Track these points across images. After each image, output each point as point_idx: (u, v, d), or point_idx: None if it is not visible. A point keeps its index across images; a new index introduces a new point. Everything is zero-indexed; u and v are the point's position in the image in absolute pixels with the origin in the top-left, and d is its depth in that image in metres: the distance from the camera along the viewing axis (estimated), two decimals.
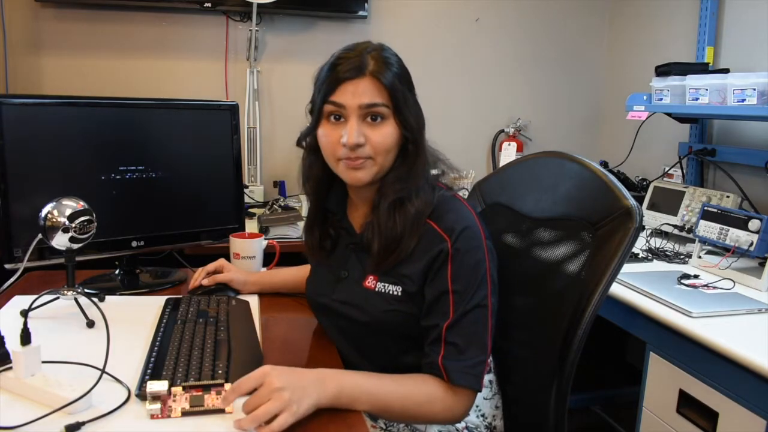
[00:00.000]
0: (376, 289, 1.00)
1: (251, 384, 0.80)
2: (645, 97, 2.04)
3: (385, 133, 0.97)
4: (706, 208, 1.69)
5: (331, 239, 1.10)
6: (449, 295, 0.94)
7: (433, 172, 1.06)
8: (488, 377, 1.08)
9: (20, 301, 1.19)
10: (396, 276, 0.99)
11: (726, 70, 1.89)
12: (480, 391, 0.95)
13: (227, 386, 0.82)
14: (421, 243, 0.97)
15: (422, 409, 0.92)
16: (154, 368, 0.89)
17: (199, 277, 1.29)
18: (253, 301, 1.24)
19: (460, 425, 1.03)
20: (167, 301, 1.19)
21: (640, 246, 1.85)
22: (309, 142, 1.07)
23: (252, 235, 1.45)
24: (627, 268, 1.62)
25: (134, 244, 1.37)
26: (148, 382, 0.80)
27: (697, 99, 1.80)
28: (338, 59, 1.00)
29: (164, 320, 1.08)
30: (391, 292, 0.99)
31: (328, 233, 1.10)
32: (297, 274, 1.34)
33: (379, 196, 1.01)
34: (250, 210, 2.25)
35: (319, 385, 0.84)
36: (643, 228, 0.98)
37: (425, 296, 0.97)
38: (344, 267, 1.07)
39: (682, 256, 1.77)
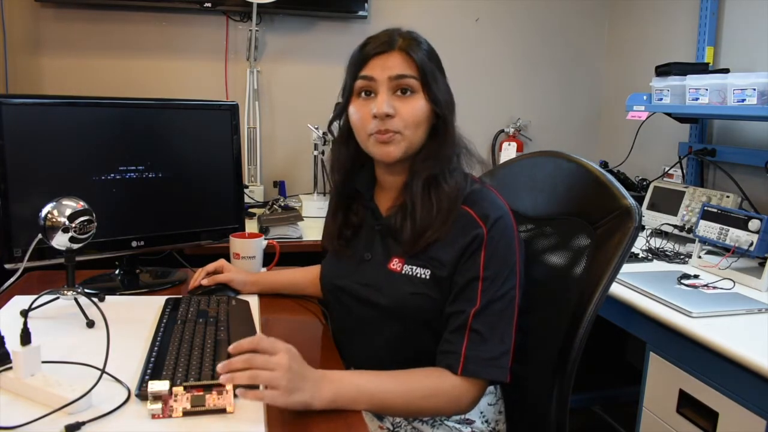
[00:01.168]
0: (403, 272, 1.00)
1: (267, 347, 0.80)
2: (645, 97, 2.04)
3: (415, 106, 0.98)
4: (706, 208, 1.69)
5: (353, 228, 1.10)
6: (479, 281, 0.94)
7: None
8: None
9: (20, 301, 1.19)
10: (425, 259, 0.98)
11: (726, 70, 1.89)
12: (507, 381, 0.94)
13: (228, 386, 0.82)
14: (457, 228, 0.97)
15: (426, 403, 0.92)
16: (154, 368, 0.89)
17: (199, 277, 1.29)
18: (253, 301, 1.24)
19: (466, 431, 1.03)
20: (167, 301, 1.19)
21: (640, 246, 1.85)
22: (339, 132, 1.10)
23: (252, 235, 1.45)
24: (627, 268, 1.62)
25: (134, 244, 1.37)
26: (149, 382, 0.80)
27: (697, 99, 1.81)
28: (367, 40, 1.03)
29: (164, 320, 1.08)
30: (418, 275, 0.98)
31: (351, 221, 1.10)
32: (298, 276, 1.33)
33: (411, 176, 1.02)
34: (250, 210, 2.25)
35: (315, 386, 0.83)
36: (643, 228, 0.99)
37: (454, 282, 0.96)
38: (368, 249, 1.06)
39: (682, 256, 1.77)
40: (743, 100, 1.64)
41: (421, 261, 0.99)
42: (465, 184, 1.02)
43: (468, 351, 0.92)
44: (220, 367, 0.78)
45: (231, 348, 0.81)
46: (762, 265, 1.53)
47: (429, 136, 1.02)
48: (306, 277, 1.32)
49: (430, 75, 0.99)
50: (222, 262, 1.31)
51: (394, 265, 1.01)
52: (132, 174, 1.35)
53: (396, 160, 1.01)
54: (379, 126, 0.98)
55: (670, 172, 2.29)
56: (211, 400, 0.80)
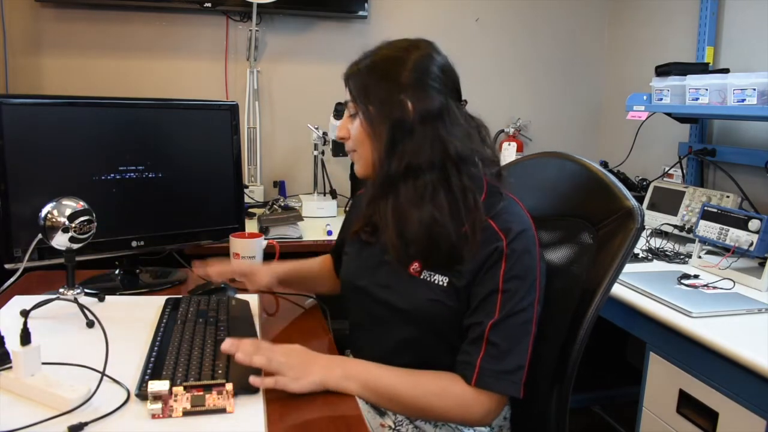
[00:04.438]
0: (422, 277, 0.99)
1: (266, 347, 0.90)
2: (645, 97, 2.04)
3: (355, 126, 1.05)
4: (706, 208, 1.69)
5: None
6: (498, 294, 0.93)
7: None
8: None
9: (20, 301, 1.19)
10: (446, 266, 0.98)
11: (726, 70, 1.89)
12: (519, 397, 0.93)
13: (228, 386, 0.82)
14: (478, 240, 0.96)
15: (433, 401, 0.92)
16: (154, 368, 0.89)
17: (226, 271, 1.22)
18: (253, 301, 1.24)
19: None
20: (167, 301, 1.19)
21: (640, 246, 1.85)
22: None
23: (252, 235, 1.44)
24: (627, 268, 1.60)
25: (134, 244, 1.37)
26: (149, 382, 0.80)
27: (697, 99, 1.81)
28: None
29: (164, 320, 1.08)
30: (437, 282, 0.98)
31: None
32: (306, 270, 1.31)
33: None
34: (250, 210, 2.25)
35: (325, 368, 0.90)
36: (643, 228, 0.99)
37: (474, 294, 0.96)
38: (389, 251, 1.05)
39: (682, 256, 1.77)
40: (743, 100, 1.64)
41: (441, 268, 0.98)
42: (483, 193, 1.00)
43: (483, 363, 0.92)
44: (227, 344, 0.88)
45: (228, 346, 0.87)
46: (762, 265, 1.53)
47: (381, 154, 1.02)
48: (317, 271, 1.32)
49: (361, 93, 1.02)
50: (248, 271, 1.22)
51: (413, 269, 1.01)
52: (132, 174, 1.35)
53: (366, 178, 1.07)
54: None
55: (670, 172, 2.29)
56: (211, 400, 0.80)
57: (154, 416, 0.78)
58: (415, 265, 1.00)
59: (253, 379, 0.85)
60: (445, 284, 0.97)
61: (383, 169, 1.00)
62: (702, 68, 1.99)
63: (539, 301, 0.96)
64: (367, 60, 1.03)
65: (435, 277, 0.98)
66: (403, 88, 0.98)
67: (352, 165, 1.19)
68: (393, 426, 1.02)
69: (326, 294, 1.31)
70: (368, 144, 1.03)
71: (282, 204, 2.09)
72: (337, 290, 1.24)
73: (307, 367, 0.89)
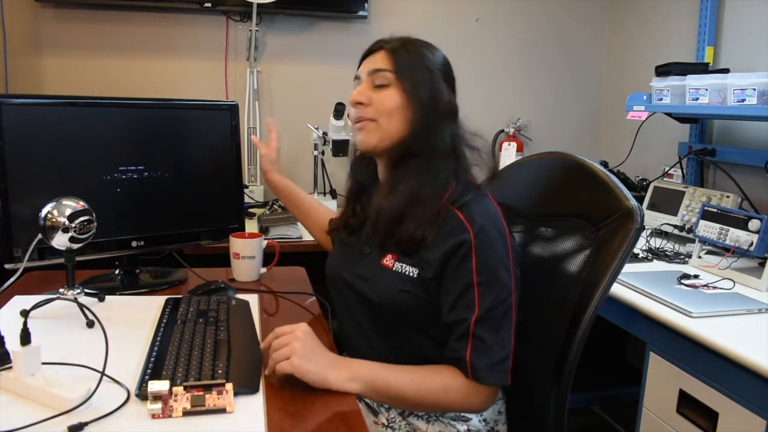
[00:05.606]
0: (394, 269, 1.01)
1: (286, 330, 0.93)
2: (645, 97, 2.04)
3: (387, 95, 1.03)
4: (706, 208, 1.69)
5: (359, 219, 1.14)
6: (474, 288, 0.95)
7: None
8: None
9: (20, 301, 1.19)
10: (416, 258, 1.00)
11: (726, 70, 1.89)
12: (509, 384, 0.96)
13: (228, 386, 0.82)
14: (443, 229, 0.98)
15: (438, 396, 0.95)
16: (154, 368, 0.89)
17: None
18: (253, 301, 1.24)
19: (462, 428, 1.03)
20: (167, 301, 1.19)
21: (640, 246, 1.85)
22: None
23: (252, 235, 1.45)
24: (627, 268, 1.60)
25: (134, 244, 1.36)
26: (149, 382, 0.80)
27: (697, 99, 1.80)
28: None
29: (164, 320, 1.08)
30: (407, 273, 1.00)
31: (358, 213, 1.15)
32: (315, 207, 1.41)
33: (392, 166, 1.05)
34: (250, 210, 2.25)
35: (332, 364, 0.91)
36: (643, 228, 0.99)
37: (447, 289, 0.97)
38: (368, 244, 1.09)
39: (682, 256, 1.77)
40: (743, 100, 1.64)
41: (412, 259, 1.00)
42: (455, 185, 1.02)
43: (473, 358, 0.94)
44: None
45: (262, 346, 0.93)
46: (762, 265, 1.53)
47: (411, 131, 1.03)
48: (321, 213, 1.39)
49: (407, 70, 1.02)
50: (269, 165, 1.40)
51: (386, 261, 1.03)
52: (132, 174, 1.35)
53: (371, 149, 1.05)
54: (356, 114, 1.05)
55: (670, 172, 2.29)
56: (211, 400, 0.80)
57: (154, 416, 0.78)
58: (389, 257, 1.03)
59: (269, 372, 0.90)
60: (415, 275, 0.99)
61: (420, 152, 1.02)
62: (702, 68, 1.99)
63: (516, 288, 0.98)
64: (405, 41, 1.06)
65: (406, 269, 1.00)
66: (440, 79, 1.05)
67: (352, 165, 1.20)
68: (386, 423, 1.03)
69: (311, 233, 1.42)
70: (396, 118, 1.02)
71: (282, 204, 2.08)
72: (320, 244, 1.36)
73: (313, 352, 0.90)
